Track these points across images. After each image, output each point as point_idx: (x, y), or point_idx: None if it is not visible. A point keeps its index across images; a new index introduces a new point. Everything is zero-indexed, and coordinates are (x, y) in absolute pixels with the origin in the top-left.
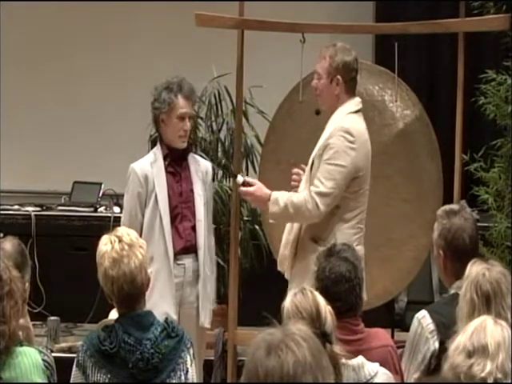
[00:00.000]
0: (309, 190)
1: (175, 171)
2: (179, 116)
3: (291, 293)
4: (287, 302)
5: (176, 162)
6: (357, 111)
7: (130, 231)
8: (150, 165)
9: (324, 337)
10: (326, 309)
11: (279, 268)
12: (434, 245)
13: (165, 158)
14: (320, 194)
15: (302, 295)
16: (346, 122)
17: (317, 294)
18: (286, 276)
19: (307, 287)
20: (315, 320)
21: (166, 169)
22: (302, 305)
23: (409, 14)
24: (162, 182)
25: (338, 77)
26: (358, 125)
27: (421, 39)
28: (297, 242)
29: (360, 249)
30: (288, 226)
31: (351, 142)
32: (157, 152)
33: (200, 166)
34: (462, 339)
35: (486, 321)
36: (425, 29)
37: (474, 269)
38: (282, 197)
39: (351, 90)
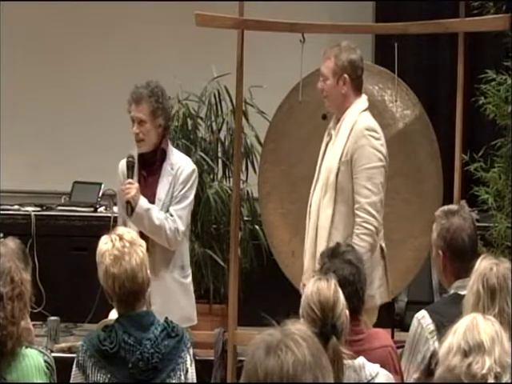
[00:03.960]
0: (359, 207)
1: (146, 174)
2: (131, 119)
3: (316, 276)
4: (311, 283)
5: (146, 165)
6: (366, 109)
7: (130, 230)
8: None
9: (332, 329)
10: (343, 306)
11: (305, 282)
12: (433, 245)
13: (138, 160)
14: (372, 204)
15: (326, 282)
16: (365, 121)
17: (340, 290)
18: None
19: (334, 278)
20: (329, 310)
21: (139, 170)
22: (323, 291)
23: (409, 14)
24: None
25: (345, 75)
26: (374, 121)
27: (421, 39)
28: None
29: (383, 246)
30: (310, 236)
31: (378, 139)
32: (133, 153)
33: (173, 170)
34: (454, 340)
35: (475, 318)
36: (425, 29)
37: (483, 263)
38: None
39: (358, 89)
